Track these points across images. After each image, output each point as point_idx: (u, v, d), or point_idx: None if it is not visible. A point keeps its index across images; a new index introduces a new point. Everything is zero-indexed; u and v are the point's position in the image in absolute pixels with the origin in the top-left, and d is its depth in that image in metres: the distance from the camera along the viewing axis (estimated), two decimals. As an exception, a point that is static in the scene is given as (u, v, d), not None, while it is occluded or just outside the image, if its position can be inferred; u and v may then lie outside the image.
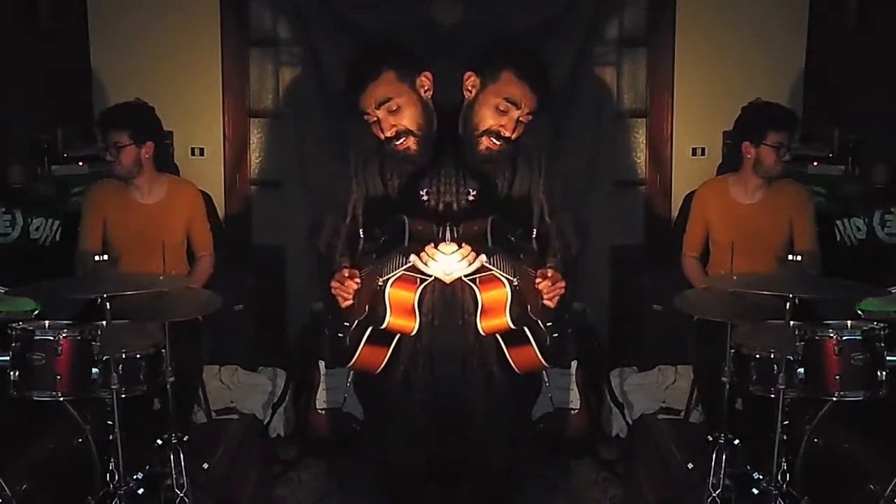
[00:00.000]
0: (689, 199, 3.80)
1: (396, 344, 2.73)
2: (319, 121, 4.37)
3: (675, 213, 4.30)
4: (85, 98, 4.41)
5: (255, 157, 4.61)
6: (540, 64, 2.87)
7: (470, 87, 2.78)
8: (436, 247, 2.58)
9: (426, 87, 2.79)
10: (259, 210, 4.59)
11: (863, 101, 4.27)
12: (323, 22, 4.32)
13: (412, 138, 2.75)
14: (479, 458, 2.92)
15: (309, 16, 4.34)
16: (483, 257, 2.58)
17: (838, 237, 4.10)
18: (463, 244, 2.59)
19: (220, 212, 4.31)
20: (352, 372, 2.86)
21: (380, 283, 2.61)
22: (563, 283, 2.68)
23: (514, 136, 2.75)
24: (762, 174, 3.53)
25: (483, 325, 2.64)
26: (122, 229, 3.59)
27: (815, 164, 4.21)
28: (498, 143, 2.74)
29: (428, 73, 2.79)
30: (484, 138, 2.75)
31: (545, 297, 2.68)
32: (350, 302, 2.70)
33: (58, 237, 4.07)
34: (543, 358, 2.69)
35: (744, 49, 4.42)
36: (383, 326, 2.62)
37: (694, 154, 4.54)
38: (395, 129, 2.74)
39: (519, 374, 2.79)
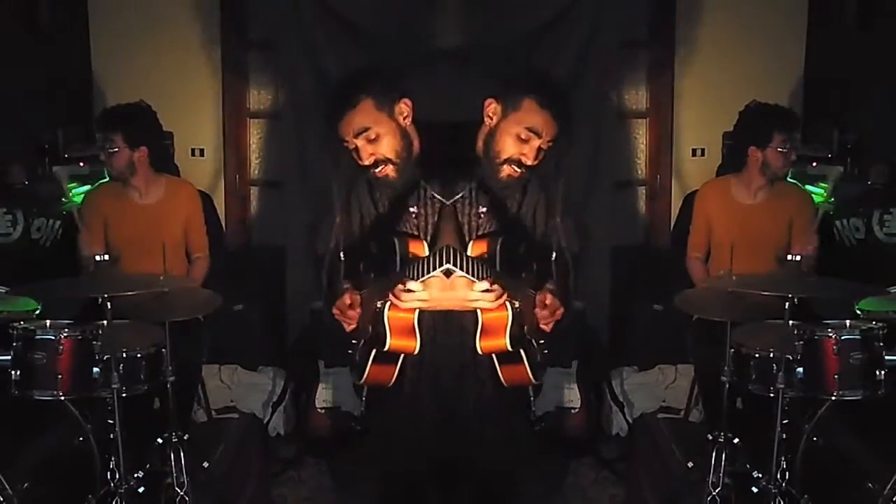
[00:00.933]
0: (689, 199, 3.81)
1: (405, 358, 2.74)
2: (319, 121, 4.36)
3: (675, 213, 4.31)
4: (85, 98, 4.42)
5: (255, 157, 4.61)
6: (561, 91, 2.87)
7: (491, 114, 2.75)
8: (405, 285, 2.57)
9: (405, 114, 2.74)
10: (259, 210, 4.60)
11: (863, 101, 4.27)
12: (323, 22, 4.32)
13: (391, 166, 2.74)
14: (480, 464, 2.93)
15: (308, 16, 4.34)
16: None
17: (837, 237, 4.10)
18: (466, 271, 2.57)
19: (220, 212, 4.32)
20: (366, 388, 2.87)
21: (378, 306, 2.62)
22: (561, 311, 2.68)
23: (534, 164, 2.74)
24: (770, 176, 3.54)
25: (482, 345, 2.63)
26: (122, 230, 3.60)
27: (815, 164, 4.21)
28: (519, 170, 2.74)
29: (407, 100, 2.74)
30: (505, 166, 2.74)
31: (542, 323, 2.67)
32: (354, 326, 2.70)
33: (58, 237, 4.07)
34: (532, 375, 2.70)
35: (744, 49, 4.42)
36: (385, 349, 2.63)
37: (694, 154, 4.54)
38: (373, 157, 2.72)
39: (492, 399, 2.80)
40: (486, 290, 2.55)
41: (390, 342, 2.61)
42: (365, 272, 2.79)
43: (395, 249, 2.71)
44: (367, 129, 2.68)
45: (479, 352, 2.65)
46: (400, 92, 2.75)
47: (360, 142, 2.71)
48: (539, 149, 2.72)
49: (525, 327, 2.64)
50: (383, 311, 2.59)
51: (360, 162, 2.73)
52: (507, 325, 2.59)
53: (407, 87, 2.79)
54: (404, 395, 2.82)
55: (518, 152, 2.71)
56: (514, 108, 2.71)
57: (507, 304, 2.60)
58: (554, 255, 2.72)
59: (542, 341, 2.69)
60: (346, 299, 2.66)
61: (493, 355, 2.68)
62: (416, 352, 2.66)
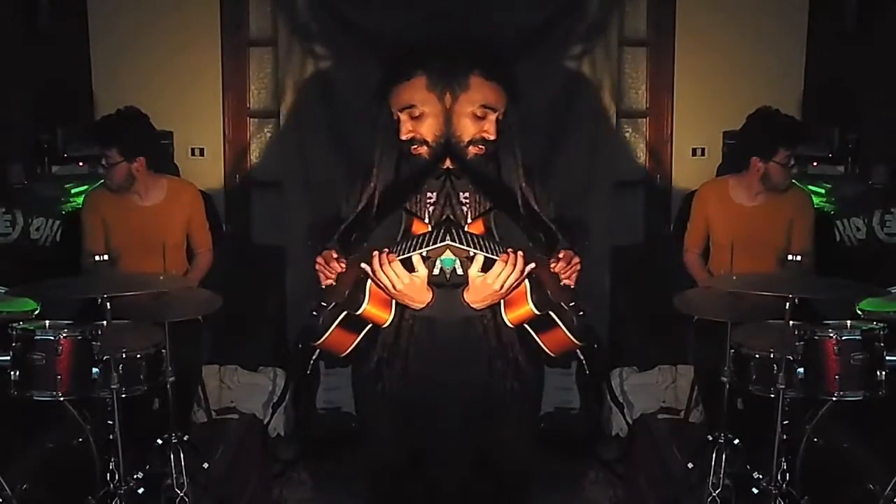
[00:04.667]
0: (689, 198, 3.81)
1: (404, 342, 2.73)
2: (320, 121, 4.37)
3: (675, 213, 4.30)
4: (85, 98, 4.41)
5: (255, 157, 4.61)
6: (502, 58, 2.84)
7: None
8: (390, 257, 2.53)
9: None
10: (259, 210, 4.59)
11: (863, 101, 4.26)
12: (322, 21, 4.32)
13: (426, 148, 2.72)
14: (487, 463, 2.92)
15: (308, 15, 4.34)
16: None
17: (838, 237, 4.09)
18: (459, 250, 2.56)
19: (221, 212, 4.31)
20: (318, 351, 2.84)
21: (363, 273, 2.62)
22: (577, 261, 2.67)
23: (495, 137, 2.74)
24: (770, 187, 3.54)
25: (509, 317, 2.63)
26: (123, 232, 3.60)
27: (815, 164, 4.20)
28: (483, 147, 2.73)
29: None
30: (470, 147, 2.73)
31: (563, 277, 2.66)
32: (331, 282, 2.70)
33: (58, 237, 4.06)
34: (574, 337, 2.68)
35: (744, 49, 4.41)
36: (358, 313, 2.62)
37: (694, 154, 4.54)
38: (411, 134, 2.70)
39: (527, 376, 2.79)
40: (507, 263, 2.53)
41: (366, 307, 2.59)
42: (356, 241, 2.78)
43: (399, 225, 2.70)
44: (412, 106, 2.67)
45: (509, 325, 2.65)
46: (457, 78, 2.73)
47: (403, 116, 2.69)
48: (497, 121, 2.71)
49: (549, 291, 2.63)
50: (367, 278, 2.59)
51: (398, 135, 2.73)
52: (525, 290, 2.59)
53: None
54: (397, 389, 2.81)
55: (479, 131, 2.69)
56: (464, 89, 2.69)
57: None
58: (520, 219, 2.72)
59: (572, 303, 2.67)
60: (332, 252, 2.66)
61: (529, 328, 2.67)
62: (387, 325, 2.65)
